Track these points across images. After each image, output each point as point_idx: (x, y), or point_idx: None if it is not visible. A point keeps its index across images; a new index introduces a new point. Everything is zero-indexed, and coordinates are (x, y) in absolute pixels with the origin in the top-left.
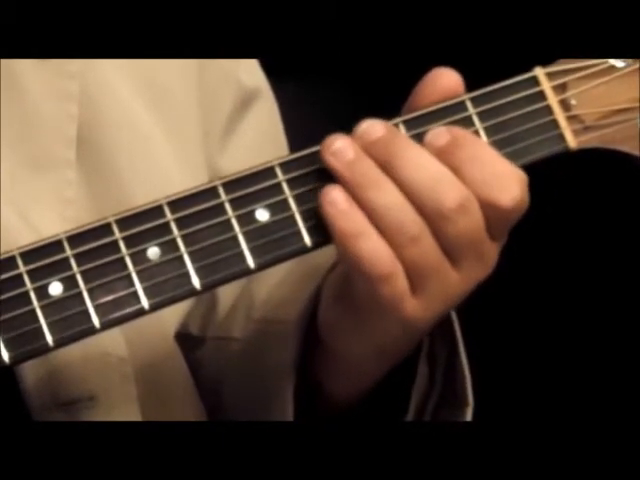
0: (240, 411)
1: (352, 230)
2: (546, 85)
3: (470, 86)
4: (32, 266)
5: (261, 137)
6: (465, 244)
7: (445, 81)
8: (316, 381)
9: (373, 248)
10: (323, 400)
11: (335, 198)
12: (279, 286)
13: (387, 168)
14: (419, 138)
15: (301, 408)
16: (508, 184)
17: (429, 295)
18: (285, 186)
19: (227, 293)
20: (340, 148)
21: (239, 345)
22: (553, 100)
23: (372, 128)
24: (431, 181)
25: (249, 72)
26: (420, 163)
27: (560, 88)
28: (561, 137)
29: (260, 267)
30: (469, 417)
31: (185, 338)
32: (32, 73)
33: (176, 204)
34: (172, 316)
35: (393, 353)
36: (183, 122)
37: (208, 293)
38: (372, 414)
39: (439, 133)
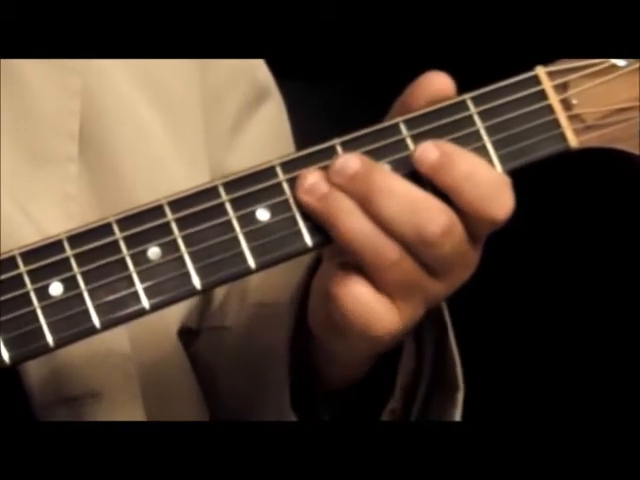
0: (238, 398)
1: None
2: (547, 84)
3: (471, 85)
4: (33, 266)
5: (270, 136)
6: (451, 262)
7: (437, 86)
8: (310, 364)
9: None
10: (319, 383)
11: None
12: (272, 270)
13: (365, 203)
14: (419, 138)
15: (298, 390)
16: (503, 197)
17: (410, 305)
18: (286, 186)
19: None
20: (313, 184)
21: (232, 333)
22: (554, 99)
23: (347, 163)
24: (410, 210)
25: (263, 71)
26: (398, 193)
27: (561, 87)
28: (562, 136)
29: (261, 267)
30: (460, 402)
31: (183, 332)
32: (34, 68)
33: (177, 204)
34: (175, 313)
35: (383, 349)
36: (183, 118)
37: None
38: (361, 395)
39: (427, 149)
